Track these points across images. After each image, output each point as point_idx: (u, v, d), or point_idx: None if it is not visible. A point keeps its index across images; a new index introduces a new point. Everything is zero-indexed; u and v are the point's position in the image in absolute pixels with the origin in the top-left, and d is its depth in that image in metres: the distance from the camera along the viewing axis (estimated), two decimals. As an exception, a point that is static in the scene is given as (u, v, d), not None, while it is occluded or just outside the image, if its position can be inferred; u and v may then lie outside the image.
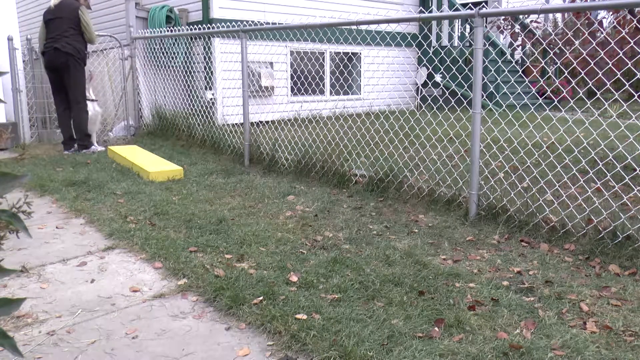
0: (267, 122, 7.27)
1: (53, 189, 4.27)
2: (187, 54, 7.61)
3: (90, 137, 6.11)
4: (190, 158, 5.60)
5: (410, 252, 2.87)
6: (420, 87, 9.72)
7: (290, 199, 3.99)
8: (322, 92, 8.98)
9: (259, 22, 7.59)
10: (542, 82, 9.47)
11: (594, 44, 3.88)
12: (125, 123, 7.38)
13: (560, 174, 3.86)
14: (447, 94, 4.90)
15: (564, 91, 4.17)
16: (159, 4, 7.67)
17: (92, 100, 6.27)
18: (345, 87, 9.25)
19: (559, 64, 9.04)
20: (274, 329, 2.07)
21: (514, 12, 3.58)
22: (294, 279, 2.52)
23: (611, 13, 6.00)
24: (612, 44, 3.80)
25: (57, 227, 3.41)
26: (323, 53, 8.84)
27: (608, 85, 3.66)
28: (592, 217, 3.05)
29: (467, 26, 10.01)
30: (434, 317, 2.17)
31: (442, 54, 9.64)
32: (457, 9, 9.36)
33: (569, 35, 4.52)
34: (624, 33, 3.97)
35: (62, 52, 5.66)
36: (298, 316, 2.14)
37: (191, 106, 7.13)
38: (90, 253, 2.97)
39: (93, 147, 6.07)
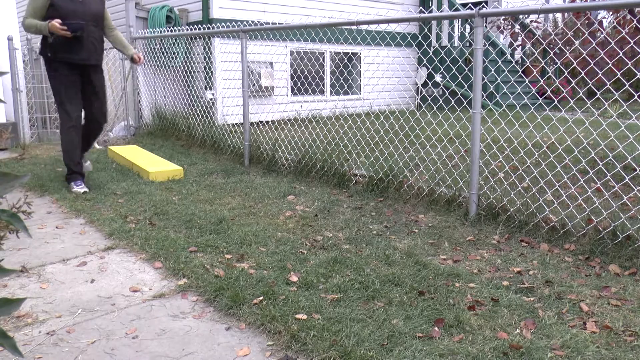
0: (267, 122, 7.27)
1: (53, 189, 4.27)
2: (187, 54, 7.61)
3: (70, 168, 4.28)
4: (190, 158, 5.60)
5: (410, 252, 2.87)
6: (420, 87, 9.72)
7: (290, 199, 3.99)
8: (322, 92, 8.98)
9: (259, 22, 7.59)
10: (542, 82, 9.47)
11: (594, 44, 3.88)
12: (125, 123, 7.38)
13: (560, 174, 3.86)
14: (447, 94, 4.90)
15: (564, 91, 4.17)
16: (159, 4, 7.68)
17: None
18: (345, 87, 9.25)
19: (559, 64, 9.04)
20: (274, 329, 2.07)
21: (514, 12, 3.57)
22: (294, 279, 2.52)
23: (611, 13, 6.00)
24: (612, 44, 3.80)
25: (57, 227, 3.41)
26: (323, 53, 8.84)
27: (608, 85, 3.66)
28: (592, 217, 3.05)
29: (467, 26, 10.01)
30: (434, 317, 2.17)
31: (442, 54, 9.64)
32: (457, 9, 9.37)
33: (569, 35, 4.52)
34: (624, 33, 3.97)
35: None
36: (298, 316, 2.14)
37: (191, 106, 7.13)
38: (90, 253, 2.97)
39: (72, 184, 4.23)
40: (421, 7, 9.84)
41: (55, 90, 4.21)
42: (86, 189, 4.20)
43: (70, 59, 4.14)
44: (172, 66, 7.49)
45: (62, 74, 4.16)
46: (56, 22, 3.94)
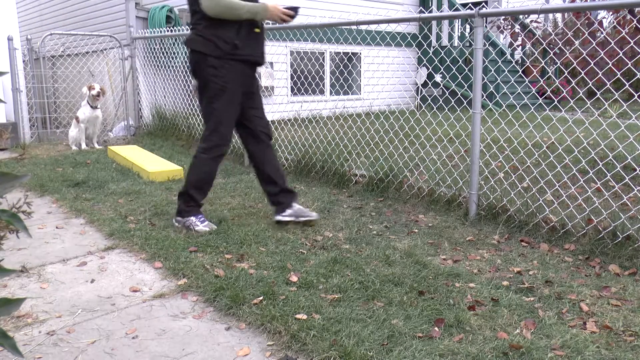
0: (267, 122, 7.25)
1: (53, 189, 4.27)
2: (187, 54, 7.61)
3: (192, 199, 3.26)
4: (190, 158, 5.59)
5: (410, 252, 2.87)
6: (420, 87, 9.72)
7: (290, 199, 3.99)
8: (322, 92, 8.98)
9: (259, 22, 7.58)
10: (542, 82, 9.47)
11: (594, 44, 3.88)
12: (125, 123, 7.38)
13: (560, 174, 3.86)
14: (447, 94, 4.90)
15: (564, 91, 4.17)
16: (159, 4, 7.68)
17: (95, 107, 6.25)
18: (345, 87, 9.25)
19: (559, 64, 9.04)
20: (274, 329, 2.07)
21: (514, 12, 3.57)
22: (294, 279, 2.52)
23: (611, 13, 6.00)
24: (612, 44, 3.80)
25: (57, 227, 3.41)
26: (323, 53, 8.84)
27: (608, 85, 3.66)
28: (592, 217, 3.05)
29: (467, 26, 10.02)
30: (434, 317, 2.17)
31: (442, 54, 9.64)
32: (457, 9, 9.37)
33: (569, 35, 4.52)
34: (624, 33, 3.97)
35: (190, 52, 3.14)
36: (298, 316, 2.14)
37: (191, 106, 7.13)
38: (90, 253, 2.97)
39: (194, 219, 3.24)
40: (421, 7, 9.85)
41: (218, 99, 3.07)
42: (214, 226, 3.25)
43: (254, 56, 3.10)
44: (172, 66, 7.49)
45: (239, 77, 3.09)
46: (276, 3, 2.99)
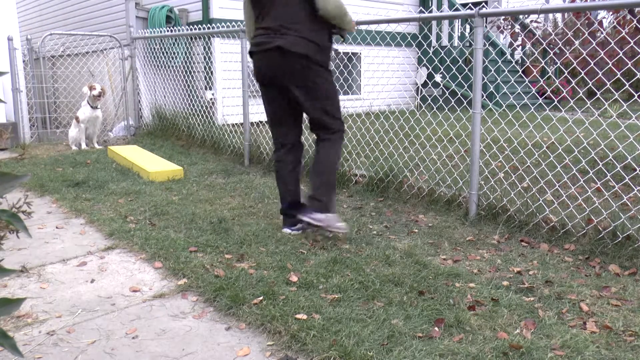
0: (267, 122, 7.26)
1: (53, 189, 4.27)
2: (187, 54, 7.61)
3: (332, 195, 3.28)
4: (190, 158, 5.60)
5: (410, 252, 2.87)
6: (420, 87, 9.72)
7: (290, 199, 3.99)
8: (322, 92, 8.97)
9: (259, 22, 7.57)
10: (542, 82, 9.47)
11: (594, 44, 3.88)
12: (125, 123, 7.38)
13: (560, 174, 3.86)
14: (447, 94, 4.90)
15: (564, 91, 4.16)
16: (159, 4, 7.68)
17: (95, 107, 6.25)
18: (345, 87, 9.25)
19: (559, 64, 9.05)
20: (274, 329, 2.07)
21: (514, 12, 3.57)
22: (294, 279, 2.52)
23: (611, 13, 6.00)
24: (612, 44, 3.80)
25: (57, 227, 3.41)
26: (323, 53, 8.83)
27: (608, 85, 3.66)
28: (592, 217, 3.05)
29: (467, 26, 10.01)
30: (434, 317, 2.17)
31: (442, 54, 9.64)
32: (457, 9, 9.37)
33: (569, 35, 4.52)
34: (624, 33, 3.97)
35: (287, 54, 2.98)
36: (298, 316, 2.14)
37: (191, 106, 7.13)
38: (90, 253, 2.97)
39: (329, 219, 3.11)
40: (421, 7, 9.85)
41: (334, 93, 3.34)
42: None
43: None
44: (172, 66, 7.49)
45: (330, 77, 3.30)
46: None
